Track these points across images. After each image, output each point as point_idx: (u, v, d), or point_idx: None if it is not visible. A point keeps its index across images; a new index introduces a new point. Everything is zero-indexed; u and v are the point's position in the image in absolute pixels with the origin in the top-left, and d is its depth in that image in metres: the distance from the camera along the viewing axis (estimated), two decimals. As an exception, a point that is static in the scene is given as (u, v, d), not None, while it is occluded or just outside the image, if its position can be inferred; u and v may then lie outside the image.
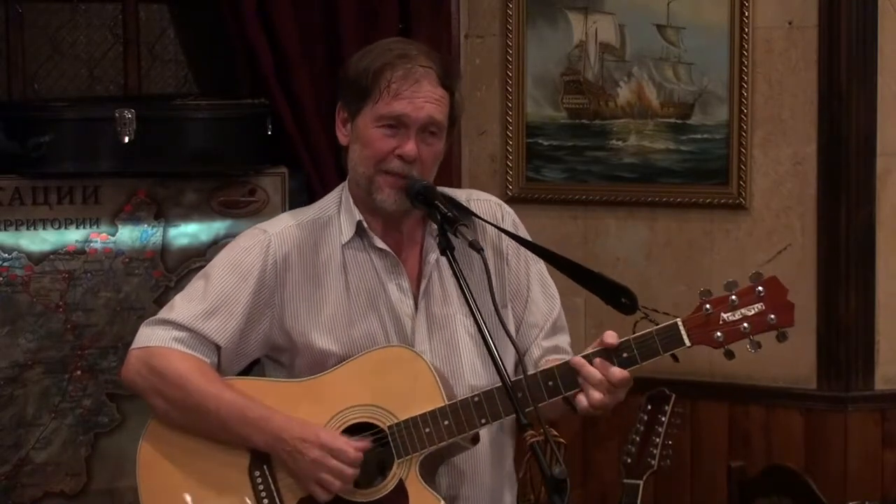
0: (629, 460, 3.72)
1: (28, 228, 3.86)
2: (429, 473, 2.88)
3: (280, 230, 2.99)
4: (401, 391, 2.87)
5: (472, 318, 2.86)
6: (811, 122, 4.11)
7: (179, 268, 3.95)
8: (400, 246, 3.00)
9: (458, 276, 2.77)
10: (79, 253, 3.90)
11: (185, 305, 2.95)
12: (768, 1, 4.11)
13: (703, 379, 4.12)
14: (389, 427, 2.86)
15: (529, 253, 3.01)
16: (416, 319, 2.97)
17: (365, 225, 2.97)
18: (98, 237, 3.91)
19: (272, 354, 3.02)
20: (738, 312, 2.81)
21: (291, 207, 3.72)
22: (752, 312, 2.81)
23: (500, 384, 2.81)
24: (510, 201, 4.34)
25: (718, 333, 2.81)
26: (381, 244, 2.97)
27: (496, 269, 2.99)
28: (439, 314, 2.99)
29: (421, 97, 2.88)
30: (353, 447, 2.82)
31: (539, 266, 3.06)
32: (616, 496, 3.71)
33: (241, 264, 2.96)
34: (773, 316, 2.81)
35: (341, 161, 3.05)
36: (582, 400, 2.81)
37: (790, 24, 4.11)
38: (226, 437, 2.90)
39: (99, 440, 3.94)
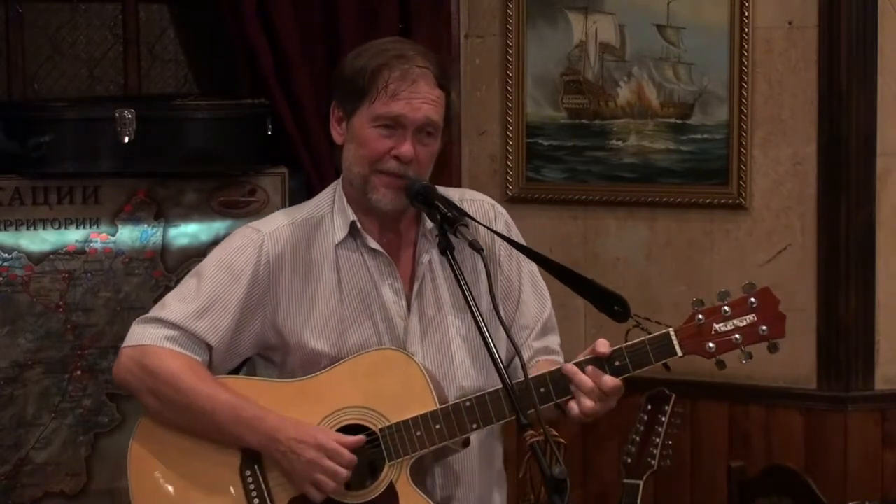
0: (629, 460, 3.72)
1: (28, 228, 3.86)
2: (419, 476, 2.89)
3: (273, 229, 2.98)
4: (393, 394, 2.87)
5: (464, 319, 2.89)
6: (811, 122, 4.11)
7: (179, 268, 3.95)
8: (393, 246, 2.99)
9: (458, 277, 2.77)
10: (79, 253, 3.90)
11: (177, 304, 2.94)
12: (768, 1, 4.11)
13: (703, 379, 4.11)
14: (381, 430, 2.86)
15: (520, 253, 3.01)
16: (409, 321, 2.97)
17: (358, 225, 2.97)
18: (98, 237, 3.91)
19: (264, 353, 3.02)
20: (731, 323, 2.83)
21: (291, 207, 3.72)
22: (744, 324, 2.83)
23: (492, 389, 2.84)
24: (510, 201, 4.36)
25: (710, 344, 2.82)
26: (374, 244, 2.97)
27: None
28: (432, 316, 2.99)
29: (418, 98, 2.88)
30: (348, 447, 2.82)
31: (530, 266, 3.06)
32: (616, 496, 3.71)
33: (233, 263, 2.95)
34: (764, 327, 2.83)
35: (335, 159, 3.04)
36: (574, 407, 2.82)
37: (790, 24, 4.11)
38: (219, 436, 2.90)
39: (99, 440, 3.94)
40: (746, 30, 4.12)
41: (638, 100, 4.27)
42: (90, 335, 3.91)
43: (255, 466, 2.90)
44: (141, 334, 2.94)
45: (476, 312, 2.74)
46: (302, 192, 4.02)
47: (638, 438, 3.74)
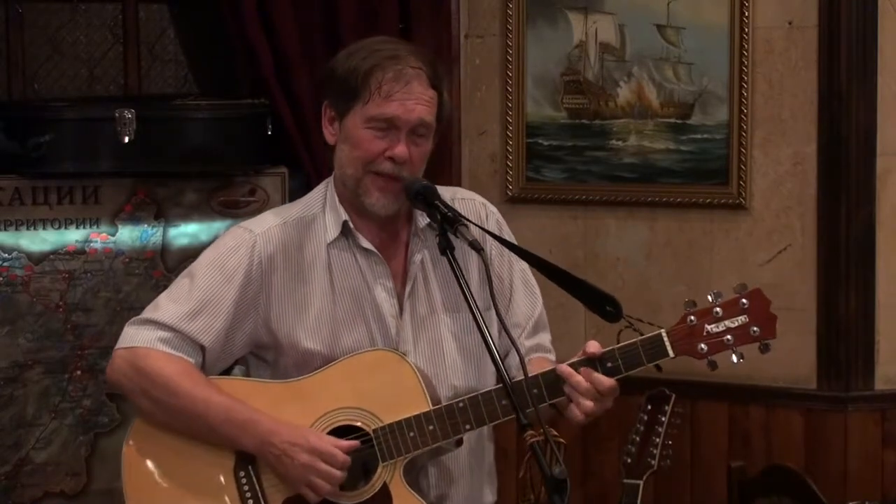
0: (629, 460, 3.71)
1: (28, 228, 3.86)
2: (412, 476, 2.89)
3: (265, 230, 2.98)
4: (386, 394, 2.87)
5: (456, 319, 2.92)
6: (811, 122, 4.11)
7: (179, 268, 3.94)
8: (385, 246, 2.99)
9: (459, 277, 2.77)
10: (79, 253, 3.90)
11: (169, 305, 2.94)
12: (768, 1, 4.11)
13: (703, 379, 4.10)
14: (374, 430, 2.86)
15: (511, 252, 3.01)
16: (401, 320, 2.97)
17: (351, 225, 2.97)
18: (98, 237, 3.91)
19: (257, 352, 3.01)
20: (722, 324, 2.83)
21: (291, 207, 3.72)
22: (736, 325, 2.83)
23: (485, 390, 2.85)
24: (510, 201, 4.36)
25: (702, 345, 2.83)
26: (366, 244, 2.97)
27: (480, 270, 2.98)
28: (424, 315, 2.99)
29: (412, 99, 2.88)
30: (342, 449, 2.82)
31: (521, 265, 3.06)
32: (616, 496, 3.71)
33: (226, 264, 2.95)
34: (756, 328, 2.83)
35: (328, 159, 3.04)
36: (574, 410, 2.82)
37: (790, 24, 4.11)
38: (213, 438, 2.89)
39: (99, 440, 3.94)
40: (746, 30, 4.11)
41: (638, 100, 4.27)
42: (90, 335, 3.91)
43: (249, 467, 2.90)
44: (134, 336, 2.93)
45: (477, 312, 2.73)
46: (302, 192, 3.98)
47: (638, 438, 3.74)
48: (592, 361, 2.82)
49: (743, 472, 3.90)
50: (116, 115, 3.80)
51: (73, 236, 3.89)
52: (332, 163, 2.99)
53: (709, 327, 2.83)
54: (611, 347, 2.83)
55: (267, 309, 2.95)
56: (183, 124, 3.89)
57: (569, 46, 4.32)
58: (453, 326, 2.99)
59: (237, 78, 4.16)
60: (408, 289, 2.98)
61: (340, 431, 2.88)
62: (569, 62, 4.33)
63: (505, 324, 2.78)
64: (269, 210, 3.14)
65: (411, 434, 2.84)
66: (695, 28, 4.18)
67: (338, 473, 2.81)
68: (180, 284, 2.98)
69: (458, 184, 4.35)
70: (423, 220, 2.97)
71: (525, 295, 3.07)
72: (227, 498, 2.90)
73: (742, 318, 2.83)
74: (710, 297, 2.84)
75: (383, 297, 2.97)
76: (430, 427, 2.84)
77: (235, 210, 3.97)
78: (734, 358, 2.83)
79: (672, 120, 4.24)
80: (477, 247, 2.75)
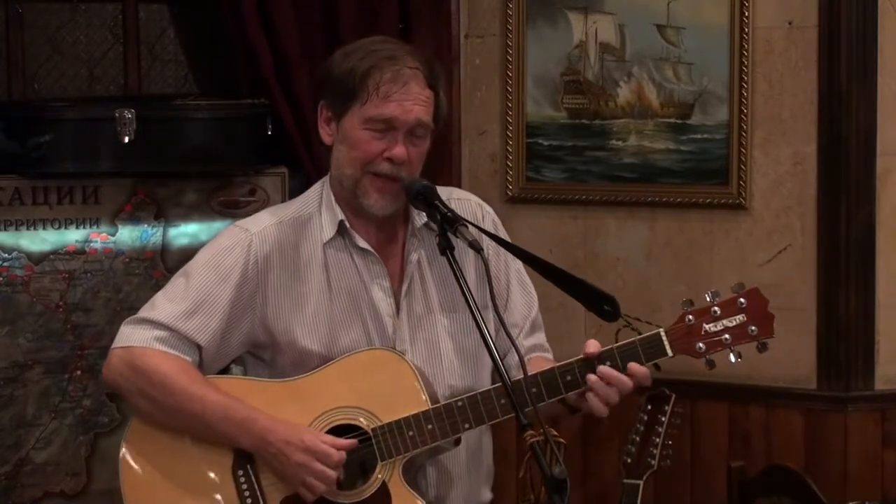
0: (629, 460, 3.72)
1: (28, 228, 3.86)
2: (411, 475, 2.90)
3: (261, 228, 2.98)
4: (385, 394, 2.88)
5: (453, 319, 2.93)
6: (811, 122, 4.11)
7: (179, 268, 3.94)
8: (382, 246, 2.99)
9: (458, 277, 2.77)
10: (79, 253, 3.90)
11: (166, 304, 2.94)
12: (768, 1, 4.11)
13: (703, 379, 4.09)
14: (373, 430, 2.86)
15: (507, 252, 3.01)
16: (398, 319, 2.97)
17: (347, 224, 2.97)
18: (98, 237, 3.91)
19: (254, 351, 3.01)
20: (720, 323, 2.84)
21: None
22: (734, 324, 2.84)
23: (483, 389, 2.86)
24: (510, 201, 4.36)
25: (700, 344, 2.84)
26: (363, 244, 2.97)
27: (478, 270, 2.99)
28: (421, 314, 2.99)
29: (410, 100, 2.88)
30: (337, 449, 2.82)
31: (517, 265, 3.07)
32: (616, 496, 3.71)
33: (222, 263, 2.95)
34: (753, 327, 2.84)
35: (325, 159, 3.04)
36: (597, 402, 2.82)
37: (790, 24, 4.11)
38: (210, 437, 2.90)
39: (99, 440, 3.94)
40: (746, 30, 4.11)
41: (638, 100, 4.27)
42: (90, 335, 3.91)
43: (248, 466, 2.90)
44: (130, 335, 2.93)
45: (476, 312, 2.74)
46: (302, 192, 4.01)
47: (638, 438, 3.74)
48: (591, 362, 2.83)
49: (743, 472, 3.90)
50: (116, 115, 3.80)
51: (73, 236, 3.89)
52: (329, 163, 2.99)
53: (707, 326, 2.84)
54: (609, 346, 2.83)
55: (263, 307, 2.95)
56: (183, 124, 3.89)
57: (569, 46, 4.32)
58: (450, 326, 2.99)
59: (237, 78, 4.16)
60: (404, 288, 2.98)
61: (339, 430, 2.88)
62: (569, 62, 4.33)
63: (504, 323, 2.79)
64: (265, 209, 3.14)
65: (410, 433, 2.84)
66: (695, 28, 4.18)
67: (332, 473, 2.81)
68: (176, 283, 2.98)
69: (458, 184, 4.35)
70: (419, 219, 2.98)
71: (522, 295, 3.08)
72: (225, 497, 2.90)
73: (740, 318, 2.84)
74: (707, 297, 2.85)
75: (380, 296, 2.97)
76: (429, 426, 2.84)
77: (235, 210, 3.97)
78: (732, 357, 2.84)
79: (672, 120, 4.24)
80: (477, 247, 2.76)
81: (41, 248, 3.86)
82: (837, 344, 4.10)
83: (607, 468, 4.30)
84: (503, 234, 3.07)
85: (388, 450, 2.85)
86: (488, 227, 3.04)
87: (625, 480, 3.70)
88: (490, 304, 2.87)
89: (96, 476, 3.93)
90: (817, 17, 4.07)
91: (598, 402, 2.82)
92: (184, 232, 3.96)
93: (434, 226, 2.86)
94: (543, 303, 3.12)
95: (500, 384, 2.77)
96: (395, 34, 4.10)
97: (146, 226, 3.94)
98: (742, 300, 2.84)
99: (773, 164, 4.15)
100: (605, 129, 4.31)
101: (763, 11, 4.11)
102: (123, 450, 2.96)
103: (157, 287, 3.90)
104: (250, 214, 3.17)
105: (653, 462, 3.69)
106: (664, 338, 2.83)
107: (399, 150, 2.88)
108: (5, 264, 3.84)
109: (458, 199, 3.05)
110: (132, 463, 2.95)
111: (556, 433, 2.68)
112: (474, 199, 3.10)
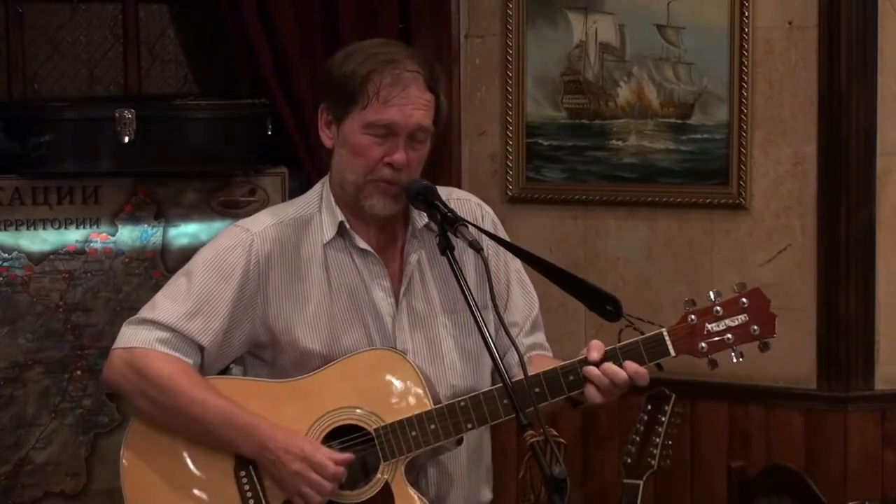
0: (629, 460, 3.72)
1: (28, 228, 3.86)
2: (413, 475, 2.89)
3: (262, 228, 2.97)
4: (387, 394, 2.88)
5: (453, 319, 2.93)
6: (811, 122, 4.11)
7: (179, 268, 3.94)
8: (381, 246, 2.99)
9: (458, 277, 2.77)
10: (79, 253, 3.90)
11: (167, 304, 2.93)
12: (768, 1, 4.11)
13: (703, 379, 4.10)
14: (376, 430, 2.86)
15: (507, 252, 3.01)
16: (398, 319, 2.97)
17: (347, 225, 2.97)
18: (98, 237, 3.91)
19: (255, 351, 3.01)
20: (722, 323, 2.85)
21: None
22: (736, 324, 2.85)
23: (486, 389, 2.86)
24: (510, 201, 4.36)
25: (703, 344, 2.84)
26: (363, 244, 2.97)
27: (477, 270, 2.99)
28: (421, 314, 2.99)
29: (410, 104, 2.87)
30: (335, 462, 2.81)
31: (517, 264, 3.07)
32: (616, 496, 3.71)
33: (223, 263, 2.94)
34: (756, 327, 2.84)
35: (325, 161, 3.04)
36: (589, 388, 2.82)
37: (790, 24, 4.11)
38: (211, 441, 2.89)
39: (99, 440, 3.94)
40: (746, 30, 4.11)
41: (638, 100, 4.27)
42: (90, 335, 3.91)
43: (250, 467, 2.89)
44: (132, 336, 2.93)
45: (476, 312, 2.74)
46: (302, 192, 4.01)
47: (638, 438, 3.74)
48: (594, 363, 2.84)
49: (743, 472, 3.90)
50: (116, 115, 3.80)
51: (73, 236, 3.89)
52: (329, 164, 2.99)
53: (709, 326, 2.84)
54: (612, 346, 2.83)
55: (265, 307, 2.95)
56: (183, 124, 3.89)
57: (569, 46, 4.32)
58: (451, 326, 2.99)
59: (237, 78, 4.16)
60: (403, 287, 2.98)
61: (341, 431, 2.88)
62: (569, 62, 4.33)
63: (504, 323, 2.79)
64: (265, 210, 3.13)
65: (413, 433, 2.84)
66: (695, 28, 4.18)
67: (328, 485, 2.81)
68: (177, 283, 2.97)
69: (458, 184, 4.35)
70: (420, 220, 2.98)
71: (522, 294, 3.08)
72: (227, 498, 2.89)
73: (742, 317, 2.84)
74: (710, 296, 2.85)
75: (380, 296, 2.97)
76: (432, 426, 2.84)
77: (235, 210, 3.97)
78: (734, 357, 2.84)
79: (672, 120, 4.24)
80: (477, 247, 2.76)
81: (41, 248, 3.86)
82: (837, 344, 4.10)
83: (607, 468, 4.30)
84: (503, 234, 3.07)
85: (390, 450, 2.85)
86: (488, 227, 3.04)
87: (625, 480, 3.70)
88: (490, 303, 2.87)
89: (96, 476, 3.93)
90: (817, 17, 4.07)
91: (593, 389, 2.82)
92: (184, 232, 3.96)
93: (434, 226, 2.86)
94: (543, 303, 3.12)
95: (516, 380, 2.76)
96: (395, 34, 4.10)
97: (146, 226, 3.94)
98: (744, 300, 2.84)
99: (773, 164, 4.15)
100: (605, 129, 4.31)
101: (763, 11, 4.11)
102: (124, 450, 2.95)
103: (157, 287, 3.90)
104: (250, 214, 3.16)
105: (653, 462, 3.69)
106: (667, 337, 2.83)
107: (399, 157, 2.87)
108: (5, 264, 3.84)
109: (457, 199, 3.05)
110: (133, 464, 2.95)
111: (556, 433, 2.68)
112: (474, 199, 3.10)
